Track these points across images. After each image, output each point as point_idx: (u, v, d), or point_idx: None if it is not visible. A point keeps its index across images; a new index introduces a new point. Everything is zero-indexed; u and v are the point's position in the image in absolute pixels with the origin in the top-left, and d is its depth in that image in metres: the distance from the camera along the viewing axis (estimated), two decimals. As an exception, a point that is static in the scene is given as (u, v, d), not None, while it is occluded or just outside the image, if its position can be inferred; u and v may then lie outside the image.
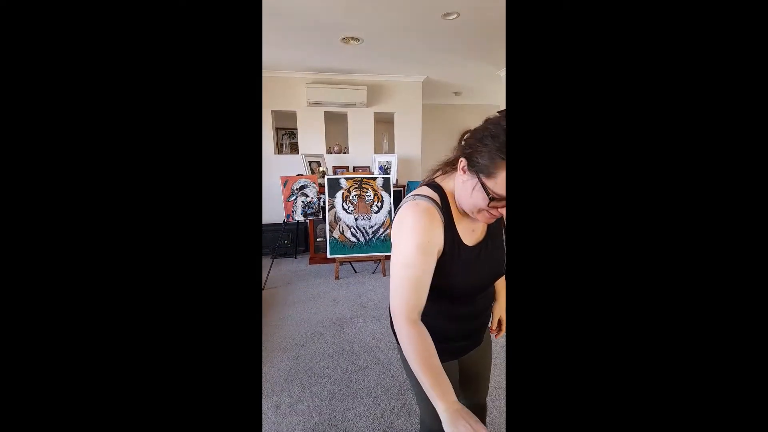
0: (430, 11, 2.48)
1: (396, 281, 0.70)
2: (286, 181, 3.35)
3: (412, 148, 4.60)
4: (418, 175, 4.56)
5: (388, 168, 3.94)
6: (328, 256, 3.30)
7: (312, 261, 3.76)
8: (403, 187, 4.16)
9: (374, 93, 4.28)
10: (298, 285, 3.17)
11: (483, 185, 0.64)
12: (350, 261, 3.52)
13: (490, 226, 0.81)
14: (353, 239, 3.31)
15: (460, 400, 0.63)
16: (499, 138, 0.62)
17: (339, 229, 3.29)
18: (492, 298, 0.92)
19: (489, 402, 1.61)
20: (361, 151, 4.45)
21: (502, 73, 3.92)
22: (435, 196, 0.73)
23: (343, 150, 4.50)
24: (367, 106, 4.26)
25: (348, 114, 4.34)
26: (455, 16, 2.54)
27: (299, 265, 3.78)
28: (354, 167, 4.38)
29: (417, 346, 0.65)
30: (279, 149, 5.26)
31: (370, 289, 3.04)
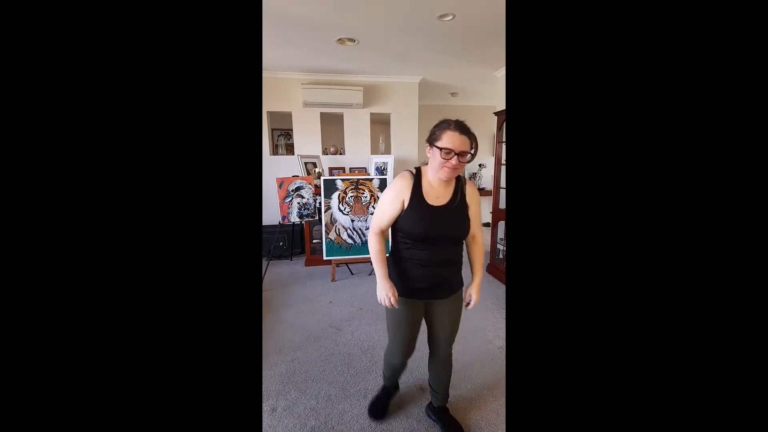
0: (426, 12, 2.48)
1: (376, 212, 1.25)
2: (281, 183, 3.33)
3: (408, 149, 4.60)
4: (415, 176, 4.54)
5: (385, 169, 3.94)
6: (324, 257, 3.29)
7: (308, 263, 3.74)
8: (400, 188, 4.15)
9: (370, 94, 4.28)
10: (294, 287, 3.15)
11: (434, 145, 1.10)
12: (347, 263, 3.51)
13: (452, 197, 1.19)
14: (349, 241, 3.30)
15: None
16: (446, 122, 1.09)
17: (335, 231, 3.28)
18: (456, 254, 1.25)
19: (486, 402, 1.61)
20: (358, 152, 4.45)
21: (498, 74, 3.93)
22: (413, 170, 1.22)
23: (339, 151, 4.49)
24: (363, 107, 4.25)
25: (344, 115, 4.33)
26: (451, 17, 2.54)
27: (295, 267, 3.76)
28: (350, 168, 4.37)
29: (375, 246, 1.24)
30: (274, 150, 5.24)
31: (367, 291, 3.03)
